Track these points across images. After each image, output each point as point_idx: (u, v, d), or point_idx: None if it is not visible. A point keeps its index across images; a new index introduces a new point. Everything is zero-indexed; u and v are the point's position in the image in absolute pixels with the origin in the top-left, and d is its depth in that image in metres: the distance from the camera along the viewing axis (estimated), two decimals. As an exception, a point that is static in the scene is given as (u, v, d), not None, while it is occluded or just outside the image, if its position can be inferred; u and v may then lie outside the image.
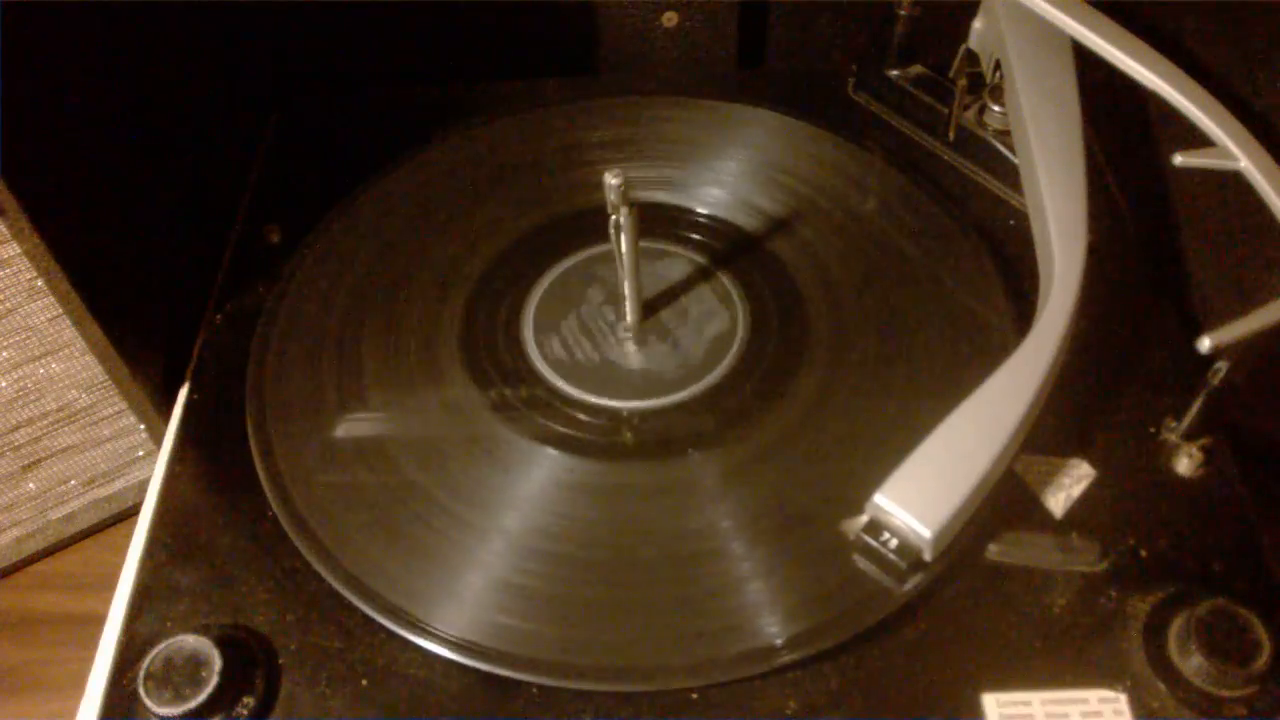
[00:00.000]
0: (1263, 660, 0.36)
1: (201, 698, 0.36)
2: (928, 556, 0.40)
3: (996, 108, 0.54)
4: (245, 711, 0.38)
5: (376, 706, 0.39)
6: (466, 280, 0.52)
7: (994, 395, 0.41)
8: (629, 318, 0.50)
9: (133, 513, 0.57)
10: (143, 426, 0.54)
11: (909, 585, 0.40)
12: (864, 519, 0.41)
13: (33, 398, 0.51)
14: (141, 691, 0.37)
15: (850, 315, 0.50)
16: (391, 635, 0.40)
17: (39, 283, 0.47)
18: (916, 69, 0.59)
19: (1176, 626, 0.38)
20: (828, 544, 0.41)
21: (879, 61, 0.59)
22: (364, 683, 0.39)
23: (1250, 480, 0.43)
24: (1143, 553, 0.41)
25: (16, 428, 0.52)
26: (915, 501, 0.39)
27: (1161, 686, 0.38)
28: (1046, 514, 0.43)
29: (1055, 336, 0.42)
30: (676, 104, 0.60)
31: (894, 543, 0.40)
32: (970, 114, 0.56)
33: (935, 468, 0.39)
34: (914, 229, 0.53)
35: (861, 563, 0.41)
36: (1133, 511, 0.42)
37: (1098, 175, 0.54)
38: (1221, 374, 0.41)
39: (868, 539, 0.41)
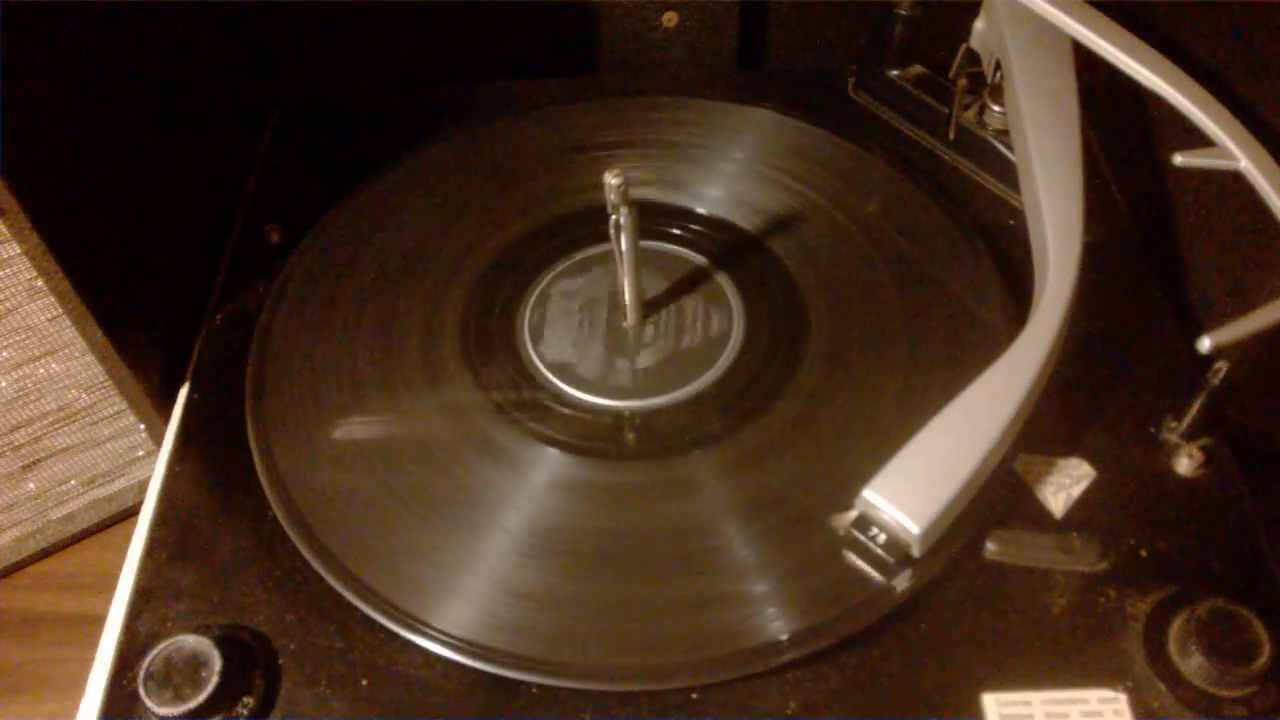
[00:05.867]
0: (1263, 660, 0.36)
1: (201, 698, 0.36)
2: (916, 552, 0.40)
3: (996, 108, 0.54)
4: (245, 711, 0.38)
5: (376, 706, 0.39)
6: (466, 280, 0.52)
7: (985, 393, 0.41)
8: (629, 318, 0.50)
9: (133, 513, 0.57)
10: (143, 426, 0.54)
11: (899, 581, 0.40)
12: (853, 514, 0.41)
13: (33, 398, 0.51)
14: (141, 691, 0.37)
15: (849, 315, 0.50)
16: (391, 635, 0.40)
17: (39, 283, 0.47)
18: (916, 69, 0.59)
19: (1176, 626, 0.38)
20: (828, 543, 0.41)
21: (879, 61, 0.59)
22: (364, 683, 0.39)
23: (1250, 480, 0.43)
24: (1143, 553, 0.41)
25: (16, 428, 0.52)
26: (904, 497, 0.39)
27: (1161, 686, 0.38)
28: (1046, 514, 0.43)
29: (1048, 335, 0.42)
30: (676, 104, 0.60)
31: (882, 538, 0.40)
32: (970, 114, 0.56)
33: (925, 464, 0.39)
34: (914, 229, 0.53)
35: (850, 558, 0.41)
36: (1133, 511, 0.42)
37: (1097, 175, 0.54)
38: (1221, 374, 0.41)
39: (856, 534, 0.41)
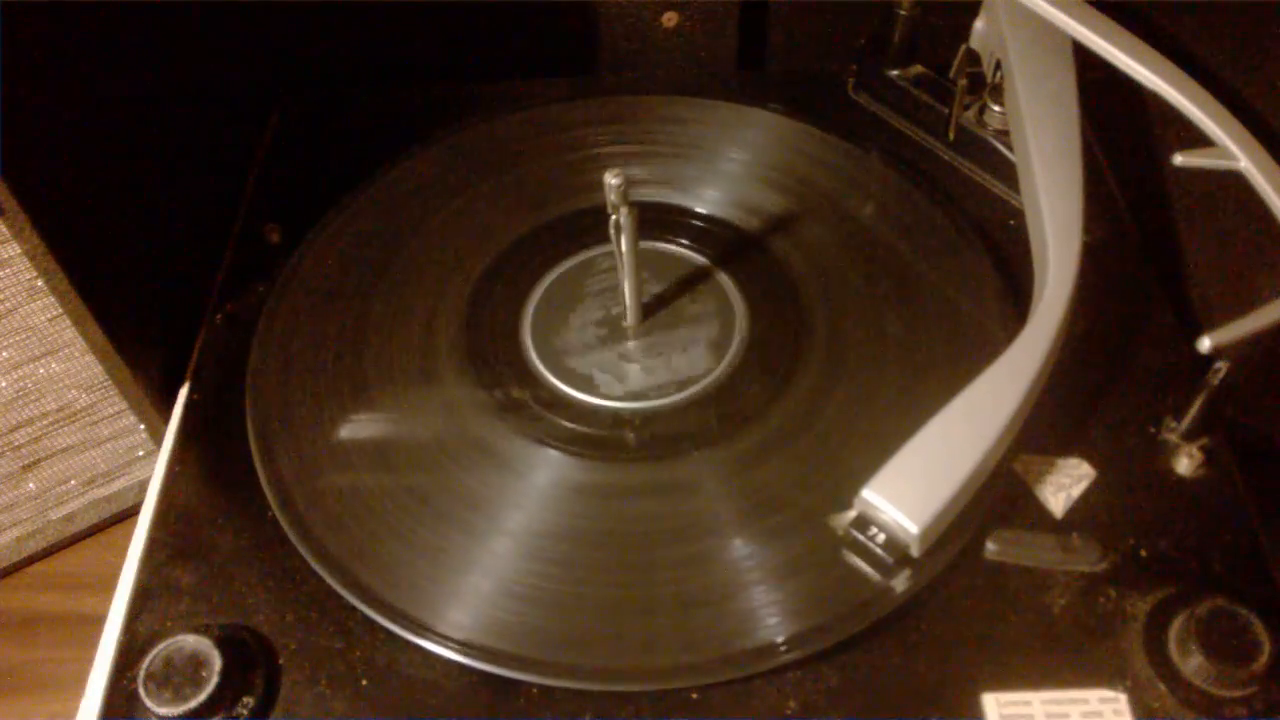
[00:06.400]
0: (1263, 660, 0.36)
1: (201, 698, 0.36)
2: (915, 552, 0.40)
3: (996, 108, 0.54)
4: (245, 711, 0.38)
5: (376, 706, 0.39)
6: (466, 280, 0.52)
7: (985, 392, 0.41)
8: (629, 318, 0.50)
9: (133, 513, 0.57)
10: (143, 426, 0.54)
11: (899, 581, 0.40)
12: (852, 513, 0.41)
13: (33, 398, 0.51)
14: (141, 691, 0.37)
15: (849, 315, 0.50)
16: (392, 635, 0.40)
17: (39, 283, 0.47)
18: (916, 69, 0.59)
19: (1176, 626, 0.38)
20: (827, 544, 0.42)
21: (879, 61, 0.59)
22: (364, 683, 0.39)
23: (1250, 480, 0.43)
24: (1143, 553, 0.41)
25: (16, 428, 0.52)
26: (903, 497, 0.39)
27: (1161, 686, 0.38)
28: (1046, 514, 0.43)
29: (1047, 335, 0.42)
30: (676, 104, 0.60)
31: (881, 538, 0.40)
32: (970, 114, 0.56)
33: (924, 464, 0.39)
34: (913, 229, 0.53)
35: (849, 558, 0.41)
36: (1133, 511, 0.42)
37: (1097, 175, 0.54)
38: (1221, 374, 0.41)
39: (855, 534, 0.41)
